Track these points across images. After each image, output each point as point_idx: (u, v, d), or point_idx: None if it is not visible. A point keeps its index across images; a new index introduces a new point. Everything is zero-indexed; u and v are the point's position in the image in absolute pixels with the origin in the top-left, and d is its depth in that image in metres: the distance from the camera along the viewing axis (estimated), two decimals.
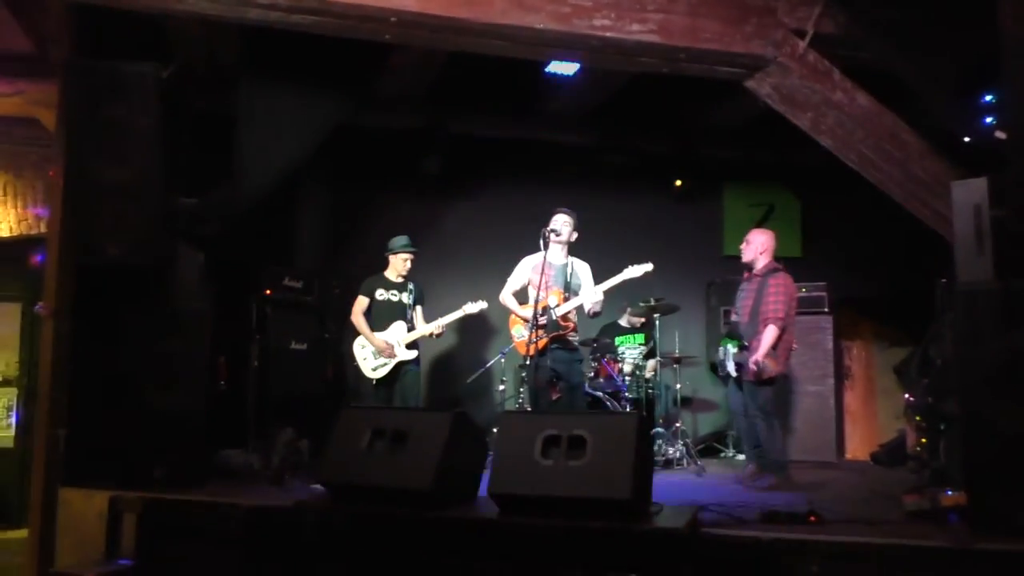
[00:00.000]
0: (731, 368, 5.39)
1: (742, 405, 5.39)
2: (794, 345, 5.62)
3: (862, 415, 7.45)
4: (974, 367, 3.63)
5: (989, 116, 4.43)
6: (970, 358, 3.67)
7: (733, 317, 5.65)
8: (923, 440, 5.36)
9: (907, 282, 6.59)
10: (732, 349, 5.38)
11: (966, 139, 4.71)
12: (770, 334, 5.12)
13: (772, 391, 5.27)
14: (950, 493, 3.76)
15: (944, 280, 4.81)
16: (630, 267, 5.39)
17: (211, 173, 5.35)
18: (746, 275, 5.64)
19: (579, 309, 5.62)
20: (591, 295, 5.38)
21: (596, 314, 5.55)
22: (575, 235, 5.65)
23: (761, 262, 5.45)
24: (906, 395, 6.02)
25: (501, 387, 6.83)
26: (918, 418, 5.51)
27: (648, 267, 5.28)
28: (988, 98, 4.41)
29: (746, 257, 5.52)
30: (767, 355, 5.08)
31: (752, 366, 5.08)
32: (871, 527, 3.53)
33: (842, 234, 7.88)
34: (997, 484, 3.45)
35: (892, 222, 5.90)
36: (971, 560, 3.05)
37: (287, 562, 3.60)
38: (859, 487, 5.36)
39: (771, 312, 5.16)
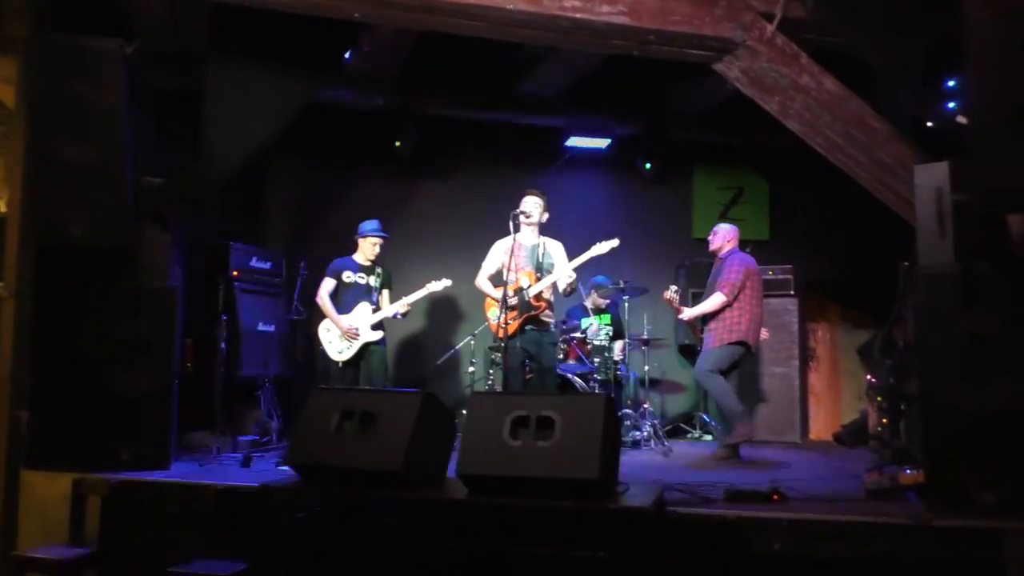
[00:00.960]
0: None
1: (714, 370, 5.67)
2: (764, 333, 5.76)
3: (826, 396, 7.56)
4: (934, 348, 3.70)
5: (952, 101, 4.48)
6: (931, 340, 3.73)
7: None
8: (885, 420, 5.46)
9: (872, 265, 6.67)
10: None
11: (930, 124, 4.77)
12: (713, 300, 5.58)
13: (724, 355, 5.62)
14: (909, 472, 3.83)
15: (907, 263, 4.88)
16: (597, 244, 5.40)
17: (178, 152, 5.26)
18: (717, 261, 5.89)
19: (555, 290, 5.63)
20: (563, 273, 5.39)
21: (572, 290, 5.56)
22: (546, 215, 5.65)
23: (725, 249, 5.78)
24: (869, 376, 6.12)
25: (471, 369, 6.84)
26: (880, 399, 5.61)
27: (614, 243, 5.30)
28: (952, 83, 4.47)
29: (713, 246, 5.86)
30: (692, 319, 5.71)
31: (680, 312, 5.68)
32: (832, 505, 3.59)
33: (809, 218, 7.96)
34: (955, 463, 3.53)
35: (858, 206, 5.97)
36: (928, 536, 3.12)
37: (255, 544, 3.58)
38: (822, 466, 5.44)
39: (720, 282, 5.58)
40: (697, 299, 7.50)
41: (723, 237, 5.83)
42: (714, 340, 5.62)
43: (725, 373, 5.61)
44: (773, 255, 7.35)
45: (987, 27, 3.46)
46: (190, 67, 5.64)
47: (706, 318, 5.69)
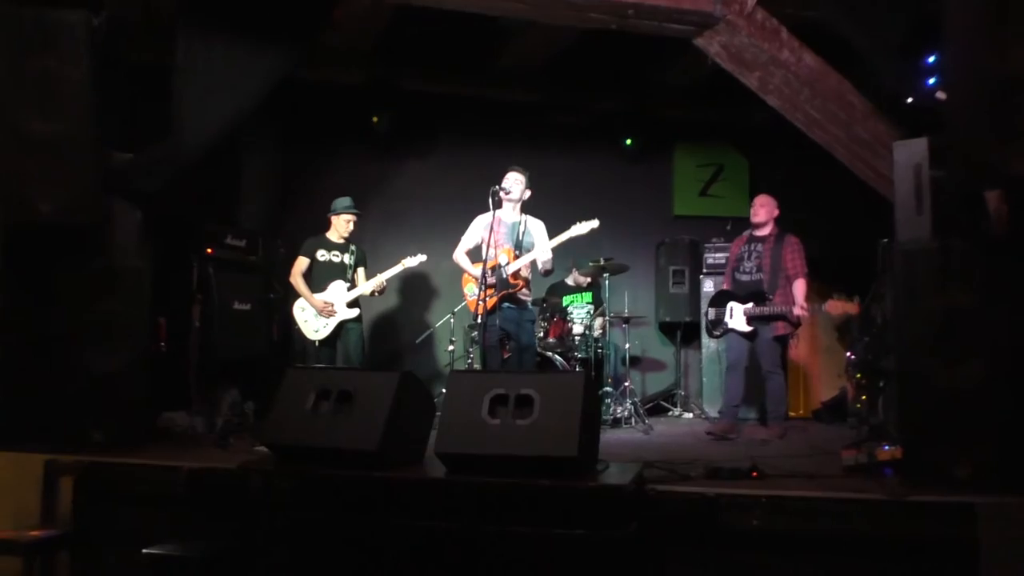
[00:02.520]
0: (739, 325, 5.67)
1: (745, 361, 5.71)
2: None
3: (805, 373, 7.62)
4: (911, 325, 3.73)
5: (931, 77, 4.49)
6: (908, 316, 3.76)
7: (743, 276, 5.81)
8: (863, 397, 5.53)
9: (851, 243, 6.70)
10: (741, 307, 5.67)
11: (909, 100, 4.78)
12: (803, 286, 5.56)
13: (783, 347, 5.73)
14: (887, 448, 3.87)
15: (885, 240, 4.92)
16: (577, 224, 5.40)
17: (149, 127, 5.18)
18: (746, 236, 5.93)
19: (534, 268, 5.63)
20: (541, 252, 5.40)
21: (548, 271, 5.56)
22: (528, 193, 5.64)
23: (771, 224, 5.82)
24: (848, 353, 6.18)
25: (450, 347, 6.85)
26: (859, 375, 5.67)
27: (594, 223, 5.30)
28: (931, 59, 4.48)
29: (760, 218, 5.82)
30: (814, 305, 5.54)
31: (800, 311, 5.43)
32: (810, 481, 3.62)
33: (789, 195, 7.94)
34: (931, 438, 3.57)
35: (838, 183, 5.99)
36: (904, 511, 3.17)
37: (231, 525, 3.57)
38: (800, 443, 5.49)
39: (801, 268, 5.62)
40: (679, 278, 7.60)
41: (769, 211, 5.81)
42: (779, 328, 5.62)
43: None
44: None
45: (966, 2, 3.46)
46: (160, 39, 5.54)
47: (769, 291, 5.65)
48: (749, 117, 7.25)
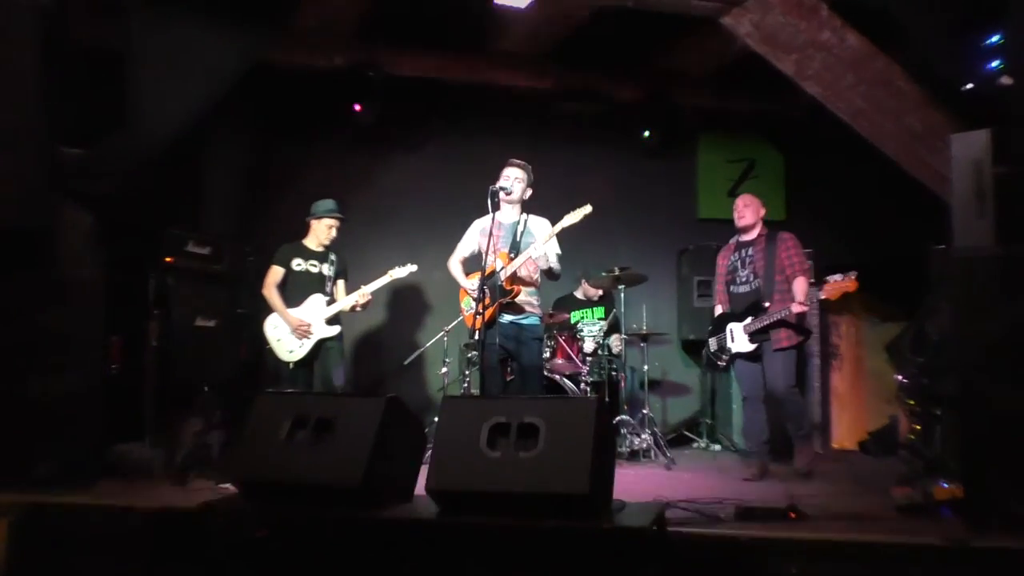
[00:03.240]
0: (743, 346, 5.58)
1: (761, 389, 5.61)
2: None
3: (850, 399, 7.59)
4: (973, 343, 3.71)
5: (994, 60, 4.49)
6: (969, 333, 3.74)
7: (740, 288, 5.75)
8: (916, 426, 5.49)
9: (901, 249, 6.69)
10: (740, 326, 5.59)
11: (968, 86, 4.78)
12: (804, 283, 5.48)
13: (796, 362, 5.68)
14: (945, 485, 3.85)
15: (941, 246, 4.90)
16: (568, 215, 5.34)
17: (102, 120, 5.19)
18: (732, 244, 5.89)
19: (543, 274, 5.58)
20: (538, 248, 5.32)
21: (553, 272, 5.50)
22: (529, 192, 5.62)
23: (759, 225, 5.78)
24: (898, 376, 6.15)
25: (443, 369, 6.83)
26: (911, 402, 5.64)
27: (586, 209, 5.24)
28: (993, 39, 4.47)
29: (747, 220, 5.76)
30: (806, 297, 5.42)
31: (798, 308, 5.34)
32: (857, 523, 3.61)
33: (830, 194, 8.00)
34: (997, 474, 3.54)
35: (886, 181, 5.99)
36: (966, 558, 3.13)
37: (193, 573, 3.55)
38: (845, 479, 5.48)
39: (798, 265, 5.57)
40: (705, 289, 7.56)
41: (756, 211, 5.78)
42: (783, 340, 5.50)
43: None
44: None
45: None
46: (114, 20, 5.56)
47: (765, 296, 5.56)
48: (784, 106, 7.24)
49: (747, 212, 5.75)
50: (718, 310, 5.94)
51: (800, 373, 7.00)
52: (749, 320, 5.55)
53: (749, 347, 5.57)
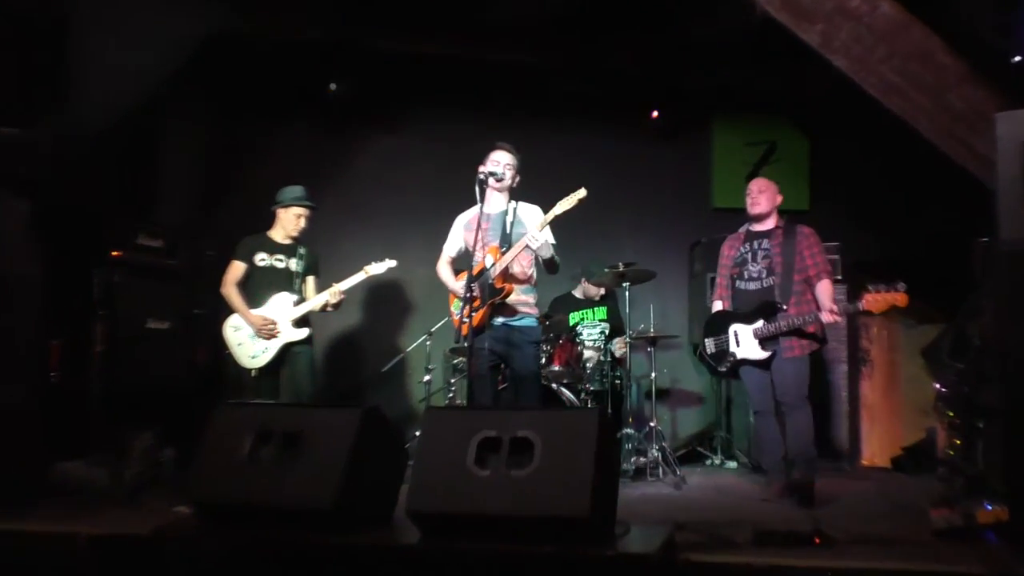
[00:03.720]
0: (752, 352, 5.42)
1: (773, 400, 5.47)
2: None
3: (882, 410, 7.60)
4: (1021, 347, 3.71)
5: None
6: (1016, 336, 3.74)
7: (749, 284, 5.59)
8: (956, 441, 5.50)
9: (940, 242, 6.71)
10: (749, 328, 5.42)
11: (1016, 59, 4.78)
12: (829, 288, 5.40)
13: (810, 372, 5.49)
14: (988, 507, 3.85)
15: (984, 239, 4.90)
16: (560, 201, 5.30)
17: (39, 95, 5.17)
18: (742, 232, 5.75)
19: (539, 267, 5.55)
20: (536, 236, 5.28)
21: (551, 263, 5.47)
22: (517, 178, 5.59)
23: (775, 215, 5.67)
24: (937, 384, 6.16)
25: (426, 377, 6.81)
26: (951, 413, 5.65)
27: (580, 193, 5.19)
28: None
29: (761, 208, 5.64)
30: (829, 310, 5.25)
31: (830, 316, 5.20)
32: (890, 549, 3.61)
33: (859, 180, 7.99)
34: None
35: (921, 166, 5.98)
36: None
37: None
38: (877, 500, 5.47)
39: (823, 266, 5.46)
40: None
41: (772, 197, 5.64)
42: (795, 348, 5.38)
43: None
44: (814, 229, 7.37)
45: None
46: None
47: (782, 296, 5.43)
48: (809, 82, 7.23)
49: (761, 199, 5.63)
50: (717, 306, 5.80)
51: (823, 381, 7.03)
52: (761, 323, 5.38)
53: (761, 354, 5.40)
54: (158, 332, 6.25)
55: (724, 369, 5.64)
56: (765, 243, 5.58)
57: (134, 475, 5.17)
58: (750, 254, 5.62)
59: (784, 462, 5.48)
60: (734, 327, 5.51)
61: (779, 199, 5.68)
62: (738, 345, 5.48)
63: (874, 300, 5.08)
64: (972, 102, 5.03)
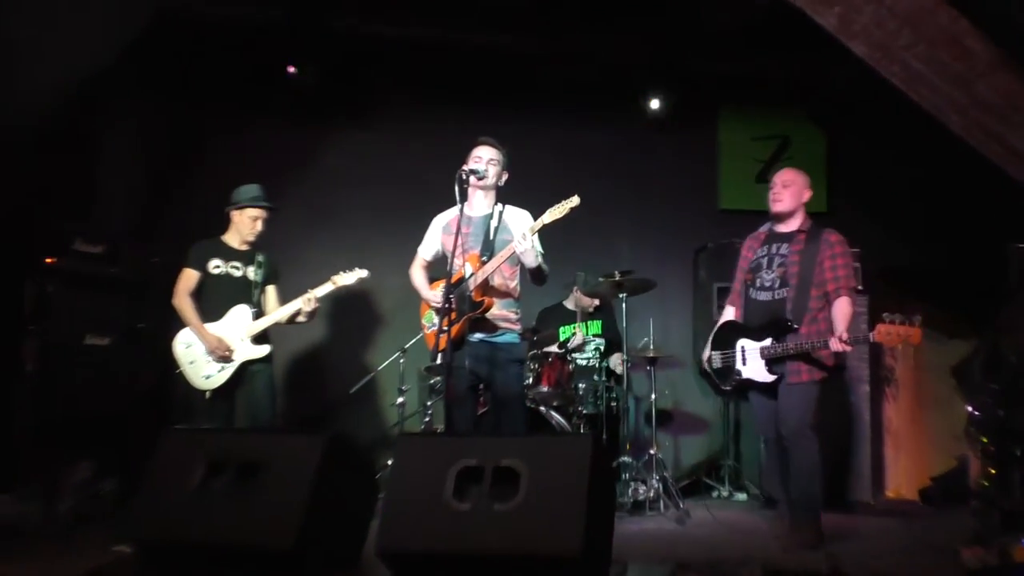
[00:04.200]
0: (757, 373, 5.31)
1: (776, 428, 5.34)
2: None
3: (908, 436, 7.63)
4: None
5: None
6: None
7: (760, 294, 5.45)
8: (991, 470, 5.52)
9: (971, 248, 6.75)
10: (756, 346, 5.32)
11: None
12: (847, 308, 5.18)
13: (819, 401, 5.27)
14: None
15: (1021, 244, 4.93)
16: (550, 209, 5.31)
17: None
18: (763, 232, 5.63)
19: (525, 279, 5.55)
20: (520, 242, 5.28)
21: (538, 273, 5.47)
22: (505, 176, 5.61)
23: (800, 214, 5.47)
24: (969, 407, 6.18)
25: (400, 399, 6.79)
26: (985, 439, 5.66)
27: (573, 201, 5.21)
28: None
29: (785, 206, 5.46)
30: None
31: (838, 345, 4.97)
32: None
33: (882, 180, 8.03)
34: None
35: (950, 162, 6.02)
36: None
37: None
38: (903, 536, 5.48)
39: (843, 281, 5.23)
40: (726, 297, 7.57)
41: (798, 193, 5.44)
42: (802, 373, 5.21)
43: None
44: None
45: None
46: None
47: (795, 313, 5.26)
48: (826, 71, 7.27)
49: (785, 195, 5.43)
50: (728, 313, 5.69)
51: (843, 403, 7.03)
52: (769, 342, 5.25)
53: (766, 377, 5.27)
54: (97, 349, 6.22)
55: (729, 388, 5.55)
56: (784, 248, 5.41)
57: (68, 510, 5.14)
58: (766, 259, 5.46)
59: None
60: (742, 342, 5.39)
61: (807, 195, 5.47)
62: (744, 363, 5.36)
63: (886, 333, 4.89)
64: (1004, 92, 5.07)
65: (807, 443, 5.15)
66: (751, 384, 5.36)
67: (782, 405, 5.22)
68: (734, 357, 5.41)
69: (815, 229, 5.40)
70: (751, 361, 5.31)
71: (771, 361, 5.21)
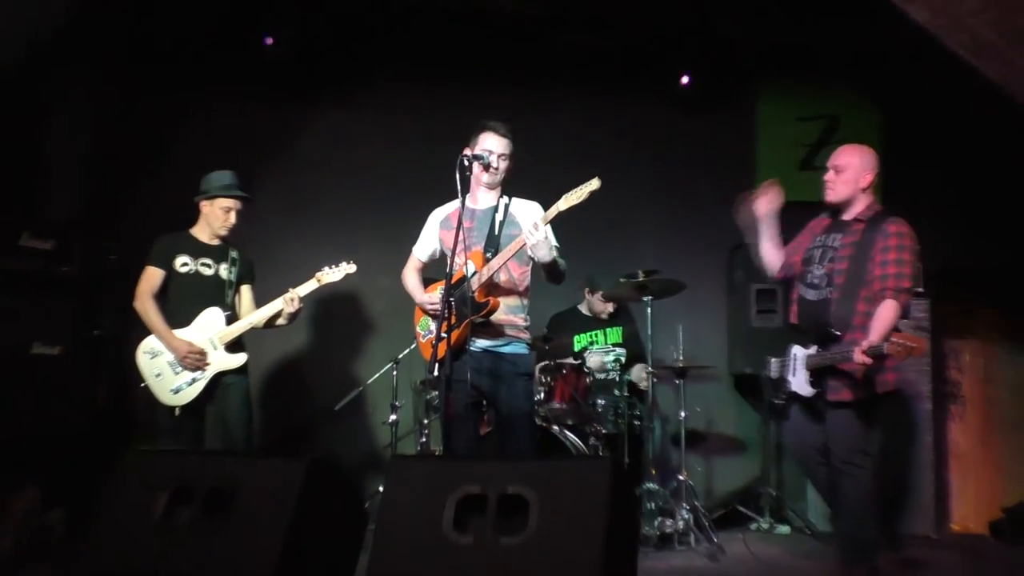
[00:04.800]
0: (801, 386, 5.26)
1: (814, 448, 5.30)
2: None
3: (977, 461, 7.63)
4: None
5: None
6: None
7: (809, 292, 5.34)
8: None
9: None
10: (803, 353, 5.28)
11: None
12: (892, 313, 4.95)
13: (873, 420, 5.16)
14: None
15: None
16: (567, 194, 5.28)
17: None
18: (825, 222, 5.51)
19: (535, 275, 5.55)
20: (530, 234, 5.26)
21: (553, 269, 5.46)
22: (508, 164, 5.59)
23: (862, 200, 5.32)
24: None
25: (392, 417, 6.81)
26: None
27: (593, 185, 5.17)
28: None
29: (837, 195, 5.33)
30: (883, 341, 4.78)
31: (860, 358, 4.79)
32: None
33: (945, 165, 8.02)
34: None
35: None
36: None
37: None
38: (971, 574, 5.48)
39: (892, 278, 5.02)
40: (768, 302, 7.55)
41: (855, 177, 5.27)
42: (842, 390, 5.09)
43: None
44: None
45: None
46: None
47: (839, 320, 5.12)
48: (881, 41, 7.27)
49: (838, 182, 5.30)
50: (767, 252, 5.62)
51: (901, 422, 7.01)
52: (814, 349, 5.19)
53: (806, 391, 5.22)
54: (46, 359, 6.24)
55: (780, 402, 5.49)
56: (837, 239, 5.29)
57: (12, 544, 5.16)
58: (818, 251, 5.35)
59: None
60: (794, 348, 5.34)
61: (866, 178, 5.29)
62: (793, 374, 5.30)
63: (894, 346, 4.70)
64: None
65: (856, 471, 5.07)
66: (796, 398, 5.29)
67: (827, 427, 5.16)
68: (788, 366, 5.35)
69: (878, 218, 5.21)
70: (798, 371, 5.26)
71: (814, 373, 5.15)
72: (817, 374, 5.12)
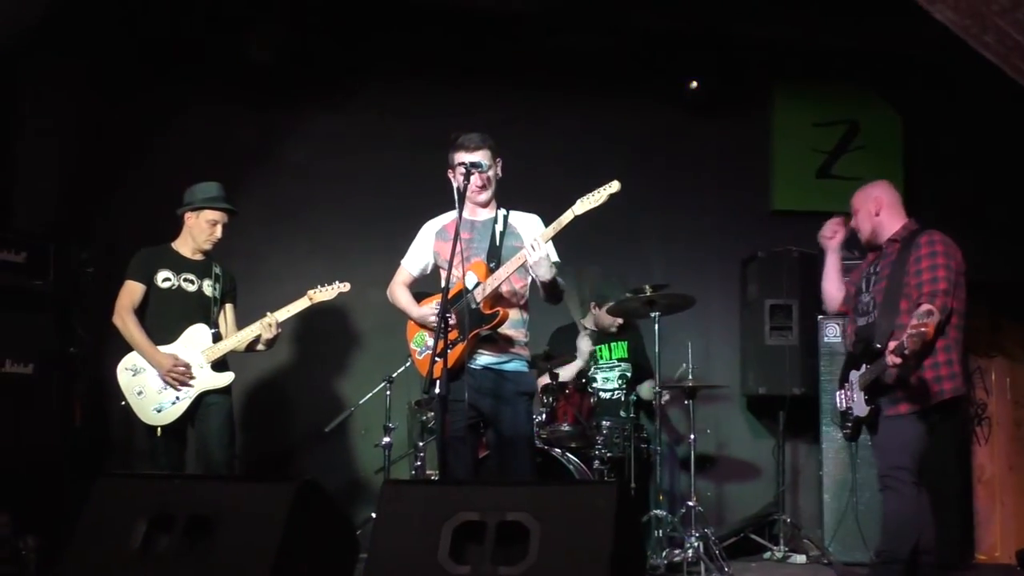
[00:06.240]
0: (860, 407, 5.36)
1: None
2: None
3: (1006, 486, 7.63)
4: None
5: None
6: None
7: (860, 319, 5.51)
8: None
9: None
10: (855, 375, 5.38)
11: None
12: (922, 312, 4.92)
13: (926, 435, 5.19)
14: None
15: None
16: (585, 196, 5.28)
17: None
18: (874, 254, 5.63)
19: (533, 291, 5.55)
20: (532, 249, 5.26)
21: (553, 288, 5.47)
22: (498, 173, 5.58)
23: (894, 223, 5.49)
24: None
25: (384, 439, 6.81)
26: None
27: (613, 187, 5.18)
28: None
29: (863, 232, 5.56)
30: (913, 339, 4.78)
31: (891, 358, 4.90)
32: None
33: (969, 172, 8.03)
34: None
35: None
36: None
37: None
38: None
39: (927, 286, 5.13)
40: (783, 319, 7.55)
41: (867, 214, 5.52)
42: (900, 402, 5.18)
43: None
44: None
45: None
46: None
47: (880, 336, 5.22)
48: (902, 41, 7.29)
49: (858, 222, 5.58)
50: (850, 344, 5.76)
51: (959, 447, 6.96)
52: (864, 368, 5.32)
53: (864, 410, 5.33)
54: (18, 378, 6.25)
55: (848, 431, 5.57)
56: (879, 264, 5.49)
57: None
58: (864, 280, 5.56)
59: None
60: (851, 374, 5.48)
61: (874, 206, 5.52)
62: (853, 400, 5.44)
63: (911, 338, 4.72)
64: None
65: (899, 487, 5.13)
66: (861, 421, 5.40)
67: (875, 442, 5.31)
68: (849, 394, 5.48)
69: (912, 235, 5.36)
70: (856, 394, 5.38)
71: (867, 391, 5.25)
72: (871, 391, 5.22)
